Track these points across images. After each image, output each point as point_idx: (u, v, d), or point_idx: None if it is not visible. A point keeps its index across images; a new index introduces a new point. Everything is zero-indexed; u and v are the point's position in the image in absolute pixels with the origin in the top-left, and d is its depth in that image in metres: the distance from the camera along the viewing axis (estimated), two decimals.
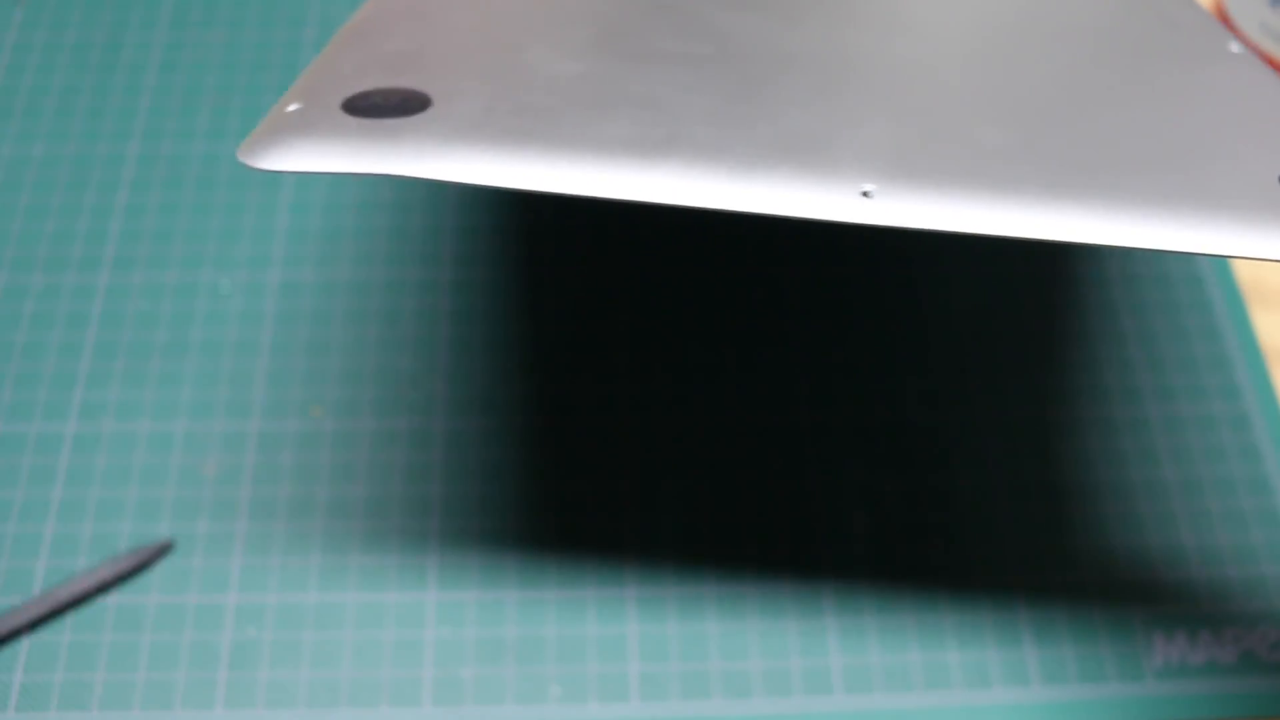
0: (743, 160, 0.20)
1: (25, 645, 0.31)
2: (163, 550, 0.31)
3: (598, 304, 0.37)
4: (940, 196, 0.19)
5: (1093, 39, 0.27)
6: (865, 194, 0.19)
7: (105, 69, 0.42)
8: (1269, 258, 0.19)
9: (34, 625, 0.29)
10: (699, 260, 0.38)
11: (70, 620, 0.31)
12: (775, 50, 0.24)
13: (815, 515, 0.33)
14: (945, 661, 0.31)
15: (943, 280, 0.38)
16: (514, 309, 0.37)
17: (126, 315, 0.37)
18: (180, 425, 0.34)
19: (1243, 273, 0.38)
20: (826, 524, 0.33)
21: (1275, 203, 0.19)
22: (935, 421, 0.35)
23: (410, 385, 0.35)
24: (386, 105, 0.21)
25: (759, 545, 0.33)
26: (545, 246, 0.38)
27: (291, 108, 0.21)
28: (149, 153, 0.40)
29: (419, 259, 0.38)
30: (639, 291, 0.37)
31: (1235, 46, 0.27)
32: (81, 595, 0.30)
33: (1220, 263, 0.38)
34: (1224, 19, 0.42)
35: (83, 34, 0.43)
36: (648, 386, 0.35)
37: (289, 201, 0.39)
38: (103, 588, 0.31)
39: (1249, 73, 0.25)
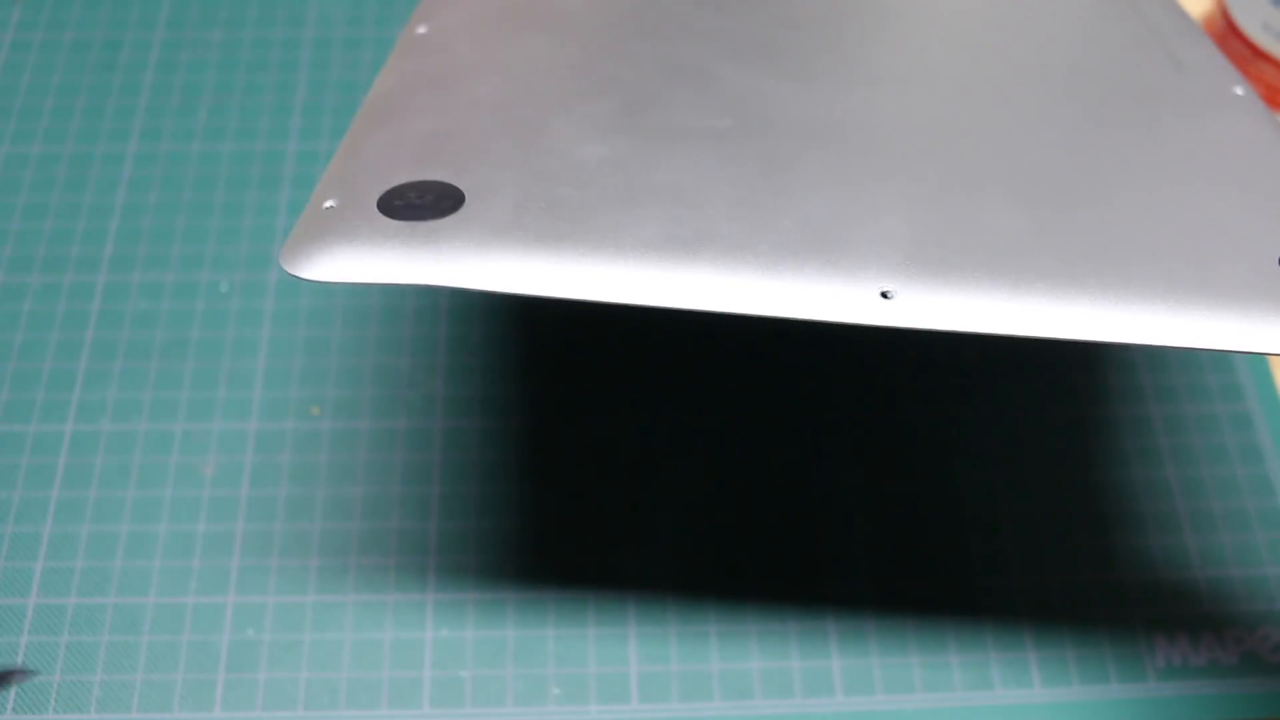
0: (766, 262, 0.20)
1: (24, 646, 0.31)
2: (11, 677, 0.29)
3: (597, 304, 0.37)
4: (956, 297, 0.20)
5: (1103, 87, 0.27)
6: (885, 294, 0.20)
7: (103, 68, 0.42)
8: (1263, 351, 0.20)
9: None
10: None
11: (70, 620, 0.31)
12: (794, 120, 0.25)
13: (815, 515, 0.33)
14: (946, 663, 0.31)
15: None
16: (514, 309, 0.37)
17: (125, 315, 0.36)
18: (179, 425, 0.34)
19: None
20: (826, 524, 0.33)
21: (1272, 291, 0.21)
22: (935, 421, 0.35)
23: (410, 385, 0.35)
24: (421, 204, 0.21)
25: (759, 545, 0.33)
26: None
27: (328, 204, 0.22)
28: (147, 152, 0.40)
29: None
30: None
31: (1240, 89, 0.27)
32: None
33: None
34: (1226, 19, 0.42)
35: (80, 33, 0.43)
36: (647, 386, 0.35)
37: (289, 201, 0.39)
38: None
39: (1252, 124, 0.26)
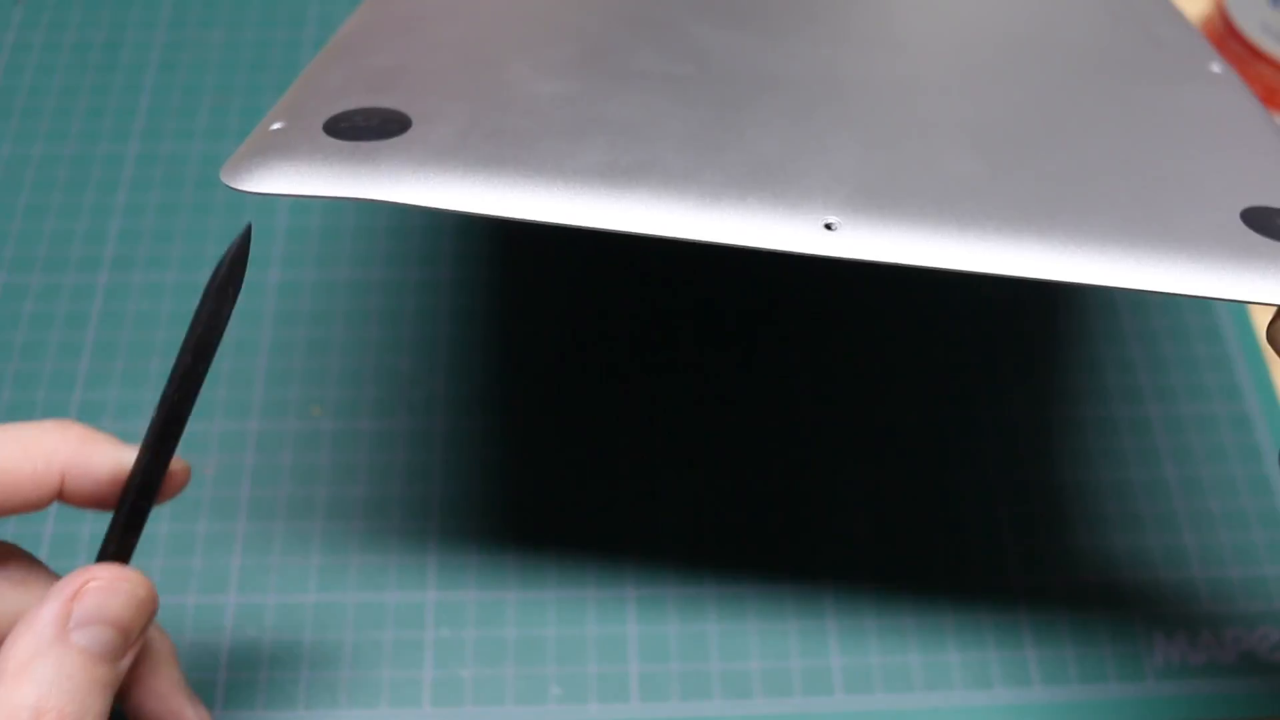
0: (709, 191, 0.20)
1: None
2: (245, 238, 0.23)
3: (598, 304, 0.37)
4: (901, 232, 0.20)
5: (1077, 58, 0.27)
6: (828, 226, 0.20)
7: (104, 69, 0.42)
8: (1219, 297, 0.19)
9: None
10: (699, 261, 0.38)
11: None
12: (755, 71, 0.25)
13: (815, 515, 0.33)
14: (946, 662, 0.31)
15: (943, 281, 0.38)
16: (514, 309, 0.37)
17: (126, 315, 0.36)
18: None
19: None
20: (826, 524, 0.33)
21: (1238, 242, 0.20)
22: (935, 421, 0.35)
23: (410, 385, 0.35)
24: (366, 127, 0.21)
25: (759, 545, 0.33)
26: (545, 247, 0.38)
27: (275, 126, 0.21)
28: (148, 152, 0.40)
29: (419, 259, 0.38)
30: (639, 291, 0.37)
31: (1217, 66, 0.27)
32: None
33: None
34: (1225, 19, 0.42)
35: (82, 34, 0.43)
36: (648, 386, 0.35)
37: (289, 201, 0.39)
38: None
39: (1226, 95, 0.26)
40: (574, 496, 0.34)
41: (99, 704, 0.21)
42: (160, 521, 0.33)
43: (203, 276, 0.37)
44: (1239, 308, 0.37)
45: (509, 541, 0.33)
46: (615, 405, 0.35)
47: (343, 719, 0.30)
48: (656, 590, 0.32)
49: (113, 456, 0.23)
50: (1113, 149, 0.23)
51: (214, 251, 0.38)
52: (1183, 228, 0.20)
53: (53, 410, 0.35)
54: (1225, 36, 0.42)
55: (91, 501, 0.24)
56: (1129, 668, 0.31)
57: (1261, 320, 0.37)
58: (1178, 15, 0.29)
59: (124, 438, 0.34)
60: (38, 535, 0.32)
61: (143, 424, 0.34)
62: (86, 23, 0.44)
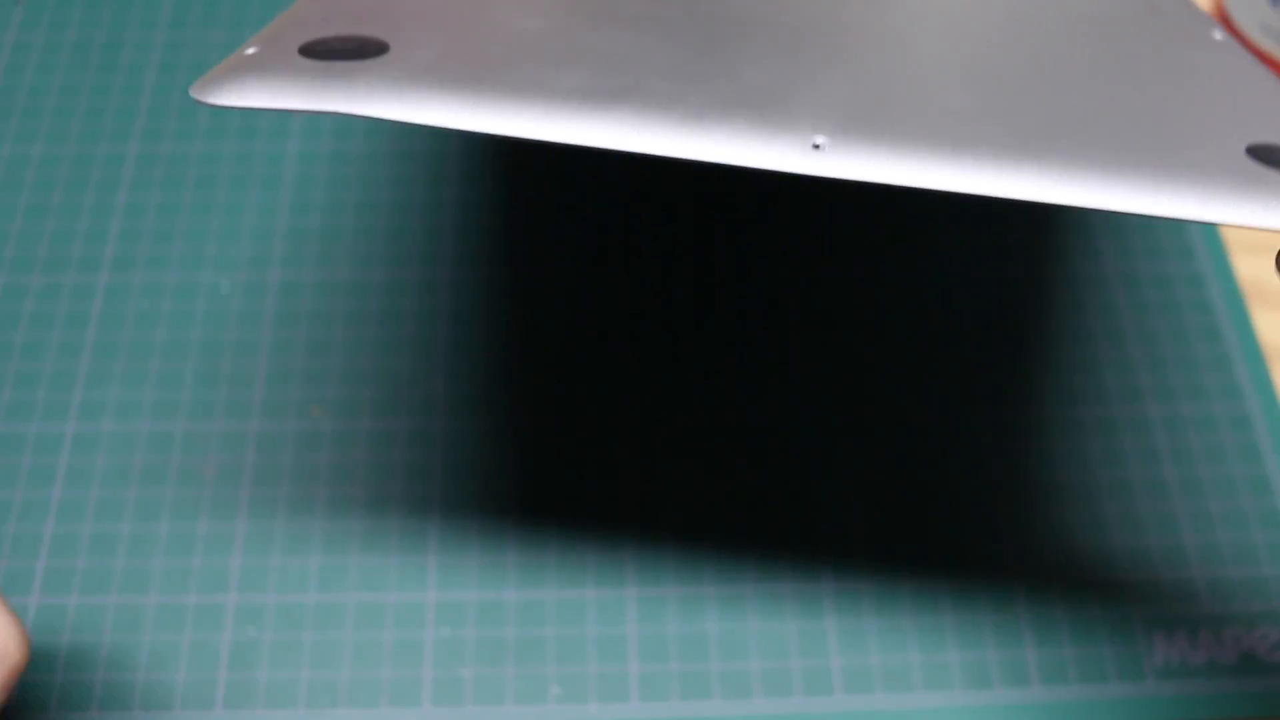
0: (694, 111, 0.20)
1: None
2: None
3: (598, 304, 0.37)
4: (893, 151, 0.19)
5: (1076, 19, 0.27)
6: (816, 146, 0.19)
7: (105, 69, 0.42)
8: (1230, 223, 0.18)
9: None
10: (699, 262, 0.38)
11: (70, 620, 0.31)
12: (747, 15, 0.24)
13: (815, 515, 0.33)
14: (945, 662, 0.31)
15: (943, 280, 0.38)
16: (514, 309, 0.37)
17: (126, 315, 0.37)
18: (180, 425, 0.34)
19: (1243, 272, 0.38)
20: (826, 524, 0.33)
21: (1242, 171, 0.19)
22: (935, 421, 0.35)
23: (410, 385, 0.35)
24: (343, 50, 0.21)
25: (759, 545, 0.33)
26: (545, 247, 0.38)
27: (250, 51, 0.21)
28: (148, 153, 0.40)
29: (419, 259, 0.38)
30: (639, 292, 0.37)
31: (1219, 34, 0.27)
32: None
33: (1220, 262, 0.38)
34: (1224, 19, 0.42)
35: (82, 34, 0.43)
36: (648, 386, 0.35)
37: (289, 201, 0.39)
38: None
39: (1228, 56, 0.25)
40: (574, 496, 0.34)
41: None
42: (160, 521, 0.33)
43: (203, 276, 0.37)
44: (1237, 306, 0.37)
45: (509, 541, 0.33)
46: (615, 405, 0.35)
47: (343, 719, 0.30)
48: (656, 590, 0.32)
49: None
50: (1114, 94, 0.22)
51: (214, 251, 0.38)
52: (1187, 158, 0.19)
53: (53, 410, 0.35)
54: None
55: None
56: (1129, 667, 0.31)
57: (1261, 319, 0.37)
58: None
59: (124, 437, 0.34)
60: (39, 534, 0.33)
61: (143, 424, 0.34)
62: (86, 23, 0.44)
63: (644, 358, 0.36)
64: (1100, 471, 0.34)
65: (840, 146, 0.19)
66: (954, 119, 0.20)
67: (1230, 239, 0.39)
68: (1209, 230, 0.39)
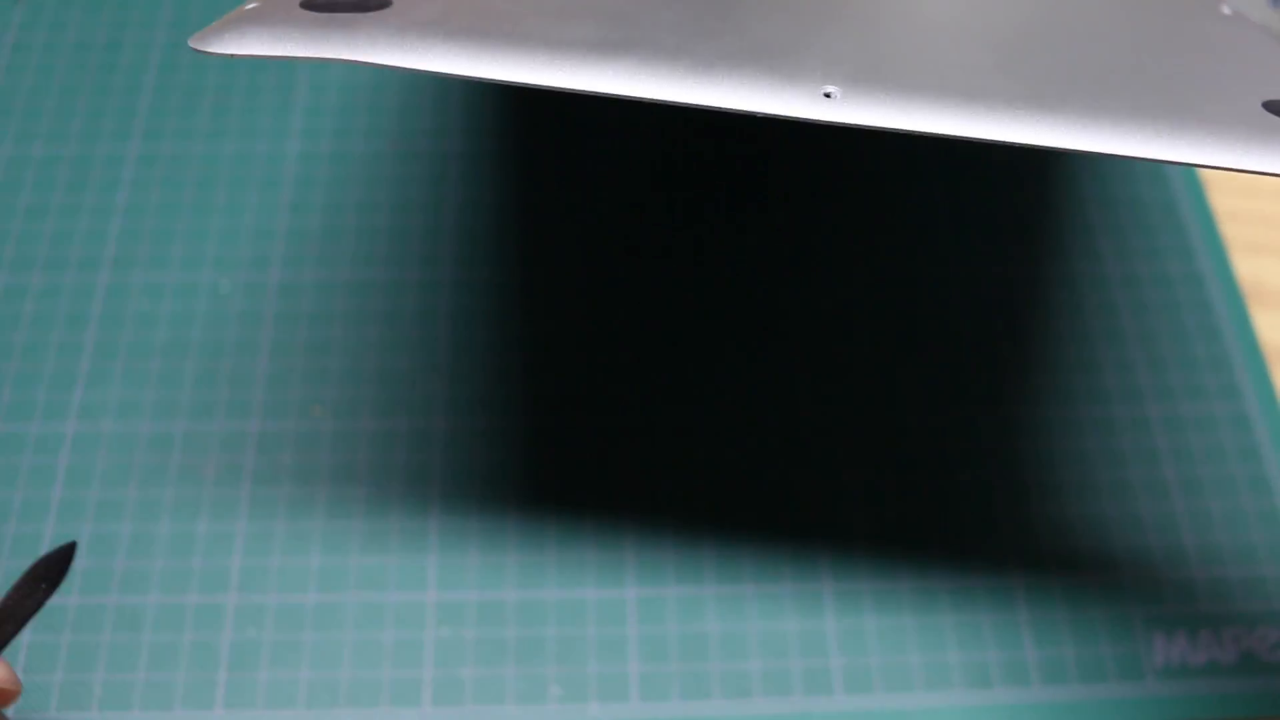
0: (704, 61, 0.19)
1: (25, 645, 0.31)
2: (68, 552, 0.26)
3: (597, 304, 0.37)
4: (907, 98, 0.19)
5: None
6: (827, 95, 0.19)
7: (104, 69, 0.42)
8: (1252, 169, 0.18)
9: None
10: (699, 262, 0.38)
11: (70, 620, 0.31)
12: None
13: (815, 515, 0.33)
14: (945, 661, 0.31)
15: (943, 280, 0.38)
16: (514, 309, 0.37)
17: (126, 315, 0.36)
18: (180, 425, 0.34)
19: (1242, 272, 0.38)
20: (827, 524, 0.33)
21: (1261, 122, 0.19)
22: (935, 421, 0.35)
23: (410, 385, 0.35)
24: (345, 3, 0.20)
25: (759, 546, 0.33)
26: (545, 247, 0.38)
27: (250, 5, 0.21)
28: (148, 153, 0.40)
29: (419, 259, 0.38)
30: (639, 292, 0.37)
31: (1227, 8, 0.26)
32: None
33: (1220, 262, 0.38)
34: None
35: (82, 34, 0.43)
36: (648, 387, 0.35)
37: (289, 201, 0.39)
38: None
39: (1239, 26, 0.25)
40: (574, 496, 0.34)
41: None
42: (160, 521, 0.33)
43: (203, 276, 0.37)
44: (1237, 306, 0.37)
45: (509, 541, 0.33)
46: (615, 405, 0.35)
47: (343, 719, 0.30)
48: (656, 590, 0.32)
49: None
50: (1128, 56, 0.22)
51: (214, 251, 0.38)
52: (1204, 109, 0.19)
53: (53, 410, 0.35)
54: None
55: None
56: (1128, 667, 0.31)
57: (1261, 319, 0.37)
58: None
59: (124, 438, 0.34)
60: (39, 535, 0.33)
61: (143, 424, 0.34)
62: (86, 23, 0.44)
63: (644, 358, 0.36)
64: (1100, 471, 0.34)
65: (852, 95, 0.19)
66: (967, 71, 0.20)
67: (1230, 239, 0.39)
68: (1209, 230, 0.39)
